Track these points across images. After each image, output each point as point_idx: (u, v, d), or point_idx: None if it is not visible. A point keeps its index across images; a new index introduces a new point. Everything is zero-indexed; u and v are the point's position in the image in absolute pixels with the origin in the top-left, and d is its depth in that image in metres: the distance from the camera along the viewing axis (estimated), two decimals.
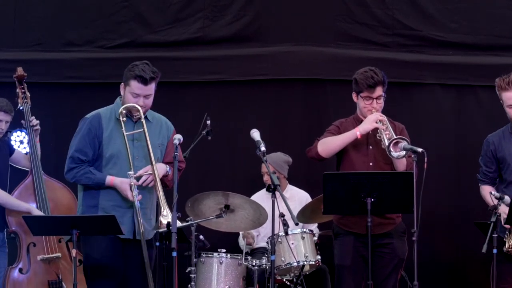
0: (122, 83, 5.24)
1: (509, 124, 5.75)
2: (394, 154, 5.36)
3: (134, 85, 5.14)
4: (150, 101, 5.23)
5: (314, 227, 6.97)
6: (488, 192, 5.70)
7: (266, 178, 7.18)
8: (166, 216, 4.97)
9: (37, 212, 6.09)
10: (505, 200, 5.22)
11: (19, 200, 6.19)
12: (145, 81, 5.12)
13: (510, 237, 5.40)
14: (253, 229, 6.60)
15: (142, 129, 5.14)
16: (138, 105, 5.14)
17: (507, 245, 5.41)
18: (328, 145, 5.59)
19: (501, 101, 5.69)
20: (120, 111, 5.18)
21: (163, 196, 5.08)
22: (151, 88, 5.19)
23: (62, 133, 7.57)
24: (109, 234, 5.06)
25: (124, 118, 5.18)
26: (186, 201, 6.00)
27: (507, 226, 5.39)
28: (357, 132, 5.51)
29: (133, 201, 5.09)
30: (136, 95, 5.16)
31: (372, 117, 5.52)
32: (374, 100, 5.60)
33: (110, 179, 5.15)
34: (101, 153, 5.22)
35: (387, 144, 5.37)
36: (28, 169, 6.38)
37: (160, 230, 5.00)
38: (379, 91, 5.60)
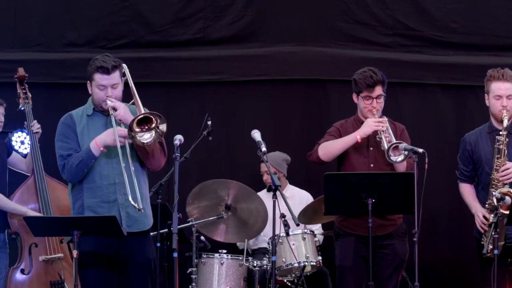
0: (88, 82, 5.17)
1: (487, 123, 5.74)
2: (393, 158, 5.37)
3: (98, 77, 5.08)
4: (118, 91, 5.14)
5: (317, 227, 6.97)
6: (466, 190, 5.76)
7: (266, 177, 7.17)
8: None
9: (33, 214, 6.08)
10: (506, 201, 5.21)
11: (15, 204, 6.19)
12: (107, 71, 5.06)
13: (488, 240, 5.28)
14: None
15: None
16: (107, 96, 5.09)
17: (485, 249, 5.31)
18: (329, 149, 5.60)
19: (485, 95, 5.67)
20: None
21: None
22: (116, 77, 5.11)
23: None
24: (110, 235, 5.04)
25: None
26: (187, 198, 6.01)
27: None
28: (357, 136, 5.51)
29: (121, 136, 4.96)
30: (103, 86, 5.09)
31: (372, 120, 5.52)
32: (374, 99, 5.60)
33: (93, 142, 5.05)
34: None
35: (386, 148, 5.37)
36: (25, 173, 6.38)
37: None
38: (378, 90, 5.60)
